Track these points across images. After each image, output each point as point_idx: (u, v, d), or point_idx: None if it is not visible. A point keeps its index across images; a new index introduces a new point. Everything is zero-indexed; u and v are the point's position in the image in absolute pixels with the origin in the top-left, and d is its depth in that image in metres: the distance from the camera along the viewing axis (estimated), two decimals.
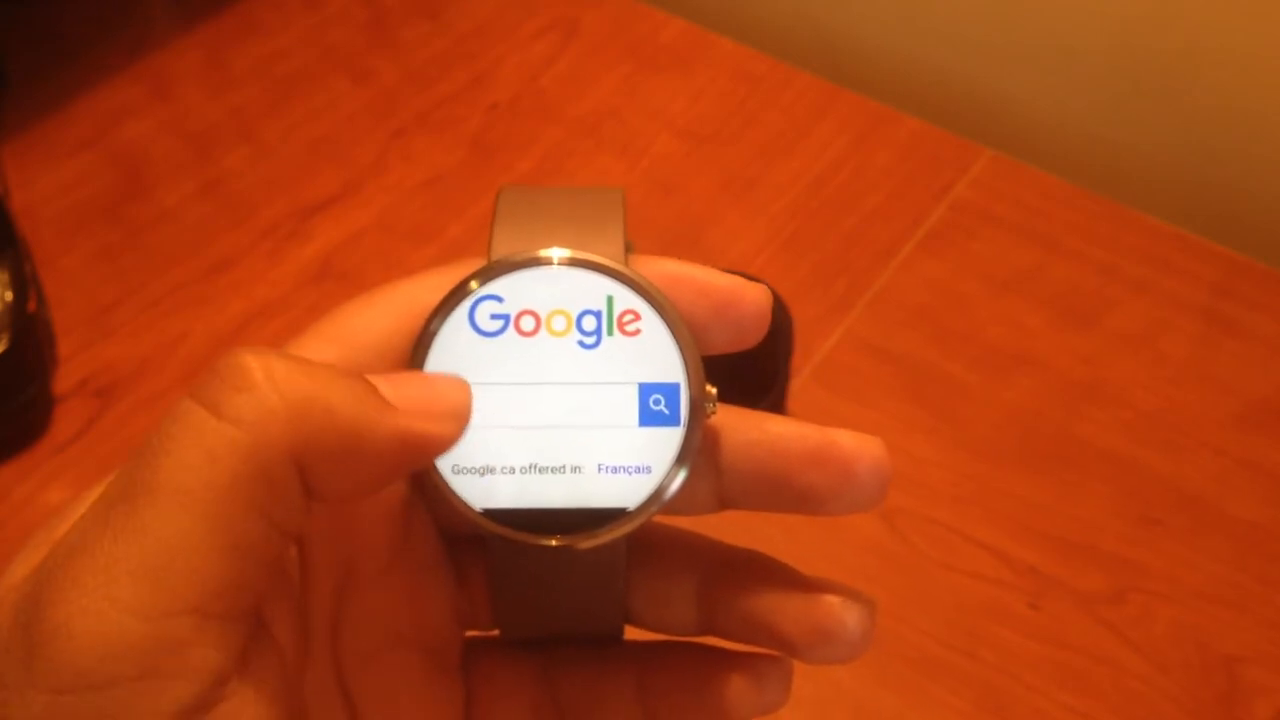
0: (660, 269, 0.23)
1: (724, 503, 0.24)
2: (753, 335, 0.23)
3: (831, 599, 0.22)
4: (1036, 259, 0.60)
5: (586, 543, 0.22)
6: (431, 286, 0.23)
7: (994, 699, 0.46)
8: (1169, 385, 0.55)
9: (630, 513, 0.22)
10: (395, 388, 0.20)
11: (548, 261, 0.22)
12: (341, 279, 0.58)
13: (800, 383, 0.55)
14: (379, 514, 0.23)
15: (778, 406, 0.52)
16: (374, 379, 0.20)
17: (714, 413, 0.23)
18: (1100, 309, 0.58)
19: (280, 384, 0.19)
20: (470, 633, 0.25)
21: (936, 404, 0.55)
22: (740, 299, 0.23)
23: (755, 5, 0.76)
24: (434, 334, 0.22)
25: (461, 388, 0.21)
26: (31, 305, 0.54)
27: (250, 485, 0.18)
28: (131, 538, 0.18)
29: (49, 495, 0.51)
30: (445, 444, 0.21)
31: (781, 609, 0.23)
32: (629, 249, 0.25)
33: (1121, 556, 0.50)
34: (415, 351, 0.22)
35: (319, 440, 0.19)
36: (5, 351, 0.51)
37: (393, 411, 0.20)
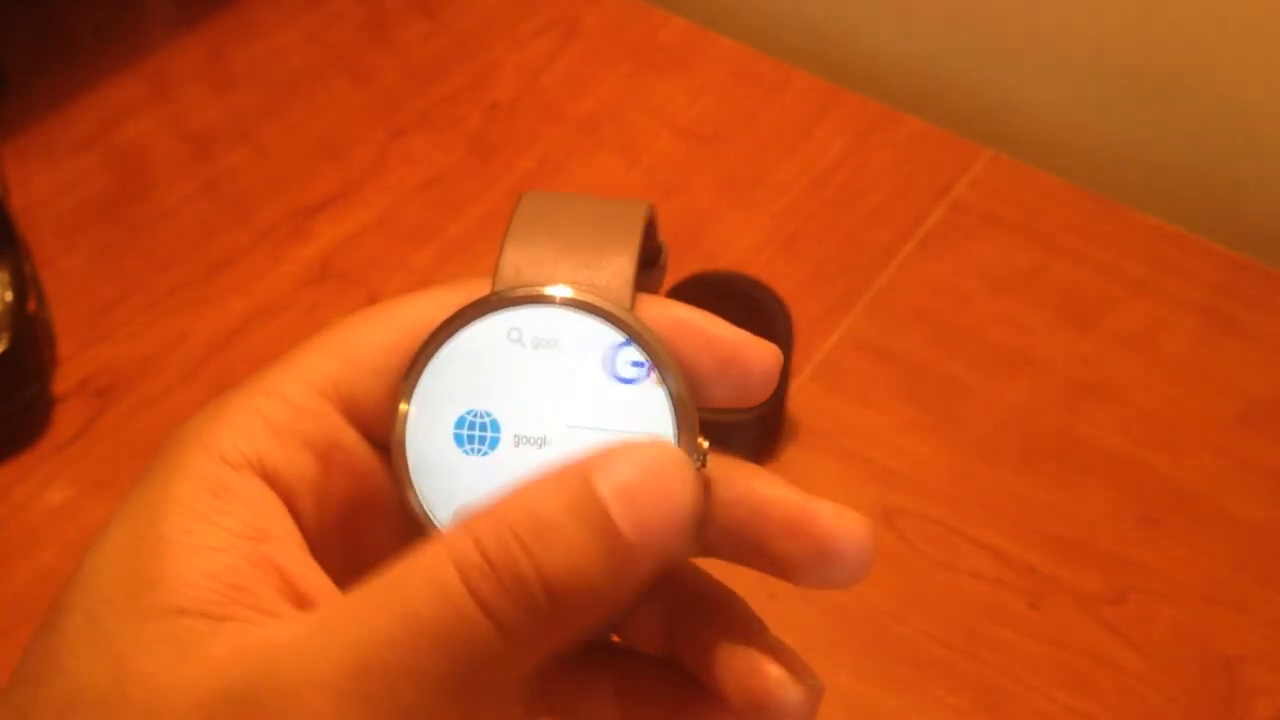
0: (669, 314, 0.23)
1: (705, 551, 0.23)
2: (758, 393, 0.23)
3: (773, 671, 0.22)
4: (1036, 259, 0.60)
5: None
6: (435, 305, 0.23)
7: (994, 699, 0.46)
8: (1169, 385, 0.55)
9: None
10: (632, 512, 0.19)
11: (549, 300, 0.22)
12: (341, 279, 0.58)
13: (800, 383, 0.55)
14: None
15: (777, 406, 0.52)
16: (610, 499, 0.19)
17: (702, 467, 0.22)
18: (1100, 309, 0.58)
19: (558, 599, 0.19)
20: None
21: (936, 404, 0.55)
22: (746, 357, 0.22)
23: (755, 5, 0.76)
24: (425, 364, 0.22)
25: (692, 488, 0.20)
26: (31, 305, 0.54)
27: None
28: None
29: (49, 495, 0.51)
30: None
31: (726, 666, 0.22)
32: (661, 251, 0.25)
33: (1121, 556, 0.50)
34: (407, 378, 0.22)
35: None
36: (5, 351, 0.51)
37: (635, 566, 0.19)
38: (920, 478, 0.52)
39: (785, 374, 0.52)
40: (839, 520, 0.22)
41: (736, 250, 0.60)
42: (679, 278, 0.54)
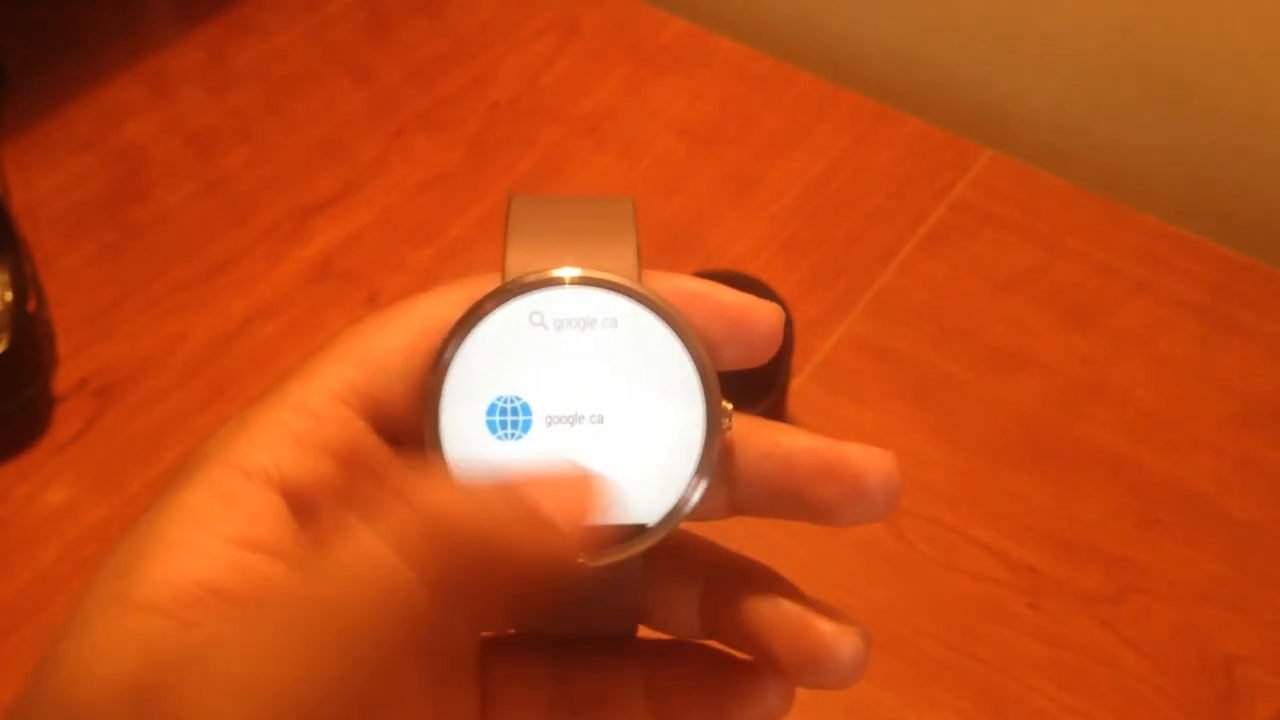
0: (675, 285, 0.23)
1: (735, 510, 0.24)
2: (764, 353, 0.23)
3: (824, 627, 0.22)
4: (1036, 259, 0.60)
5: (605, 559, 0.22)
6: (448, 303, 0.23)
7: (994, 699, 0.46)
8: (1169, 385, 0.55)
9: (649, 529, 0.22)
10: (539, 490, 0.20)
11: (562, 281, 0.23)
12: (342, 279, 0.59)
13: (800, 383, 0.55)
14: None
15: (778, 406, 0.52)
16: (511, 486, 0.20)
17: (730, 428, 0.23)
18: (1100, 309, 0.58)
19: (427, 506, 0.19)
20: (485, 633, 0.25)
21: (936, 404, 0.55)
22: (753, 317, 0.23)
23: (755, 5, 0.76)
24: (450, 359, 0.23)
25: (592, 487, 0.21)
26: (31, 305, 0.54)
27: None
28: None
29: (49, 495, 0.51)
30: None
31: (776, 630, 0.23)
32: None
33: (1121, 556, 0.50)
34: (432, 375, 0.23)
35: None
36: (5, 351, 0.51)
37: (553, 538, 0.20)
38: (920, 477, 0.52)
39: (786, 374, 0.52)
40: (869, 457, 0.22)
41: (736, 250, 0.60)
42: None
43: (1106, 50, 0.67)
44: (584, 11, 0.72)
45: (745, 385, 0.52)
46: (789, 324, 0.52)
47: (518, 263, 0.23)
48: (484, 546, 0.19)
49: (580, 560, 0.22)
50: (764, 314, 0.23)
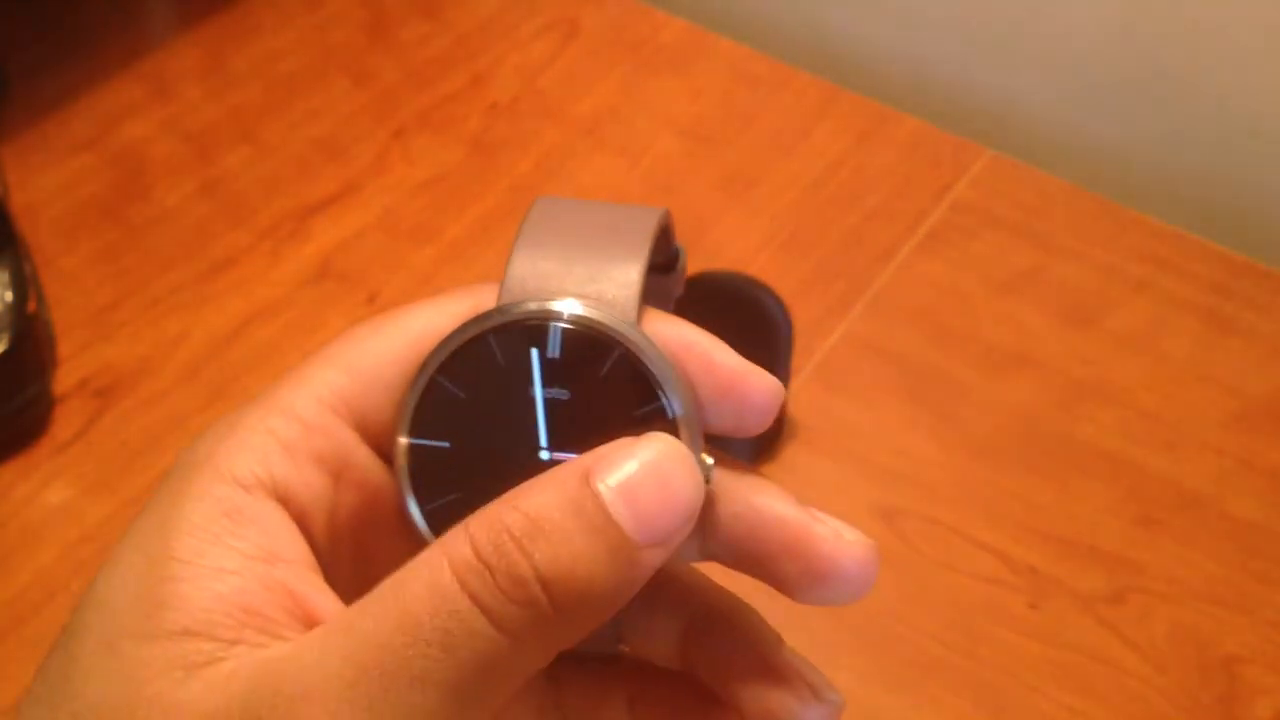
0: (676, 333, 0.23)
1: (707, 558, 0.23)
2: (754, 427, 0.22)
3: (791, 694, 0.22)
4: (1036, 259, 0.60)
5: None
6: (444, 314, 0.23)
7: (994, 699, 0.46)
8: (1169, 385, 0.55)
9: None
10: (633, 508, 0.20)
11: (554, 317, 0.22)
12: (341, 279, 0.58)
13: (800, 383, 0.55)
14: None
15: None
16: (610, 496, 0.20)
17: (709, 482, 0.22)
18: (1100, 309, 0.58)
19: (557, 598, 0.19)
20: None
21: (936, 404, 0.55)
22: (746, 387, 0.22)
23: (755, 5, 0.76)
24: (424, 382, 0.22)
25: (695, 479, 0.21)
26: (31, 305, 0.54)
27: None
28: None
29: (49, 495, 0.51)
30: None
31: (745, 683, 0.22)
32: (679, 256, 0.25)
33: (1121, 556, 0.50)
34: (408, 397, 0.22)
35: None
36: (5, 351, 0.51)
37: (637, 563, 0.20)
38: (920, 478, 0.52)
39: (786, 374, 0.52)
40: (837, 544, 0.22)
41: (736, 250, 0.60)
42: None
43: (1106, 50, 0.67)
44: (583, 11, 0.72)
45: None
46: (789, 324, 0.52)
47: (517, 279, 0.22)
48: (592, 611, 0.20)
49: None
50: (758, 385, 0.22)
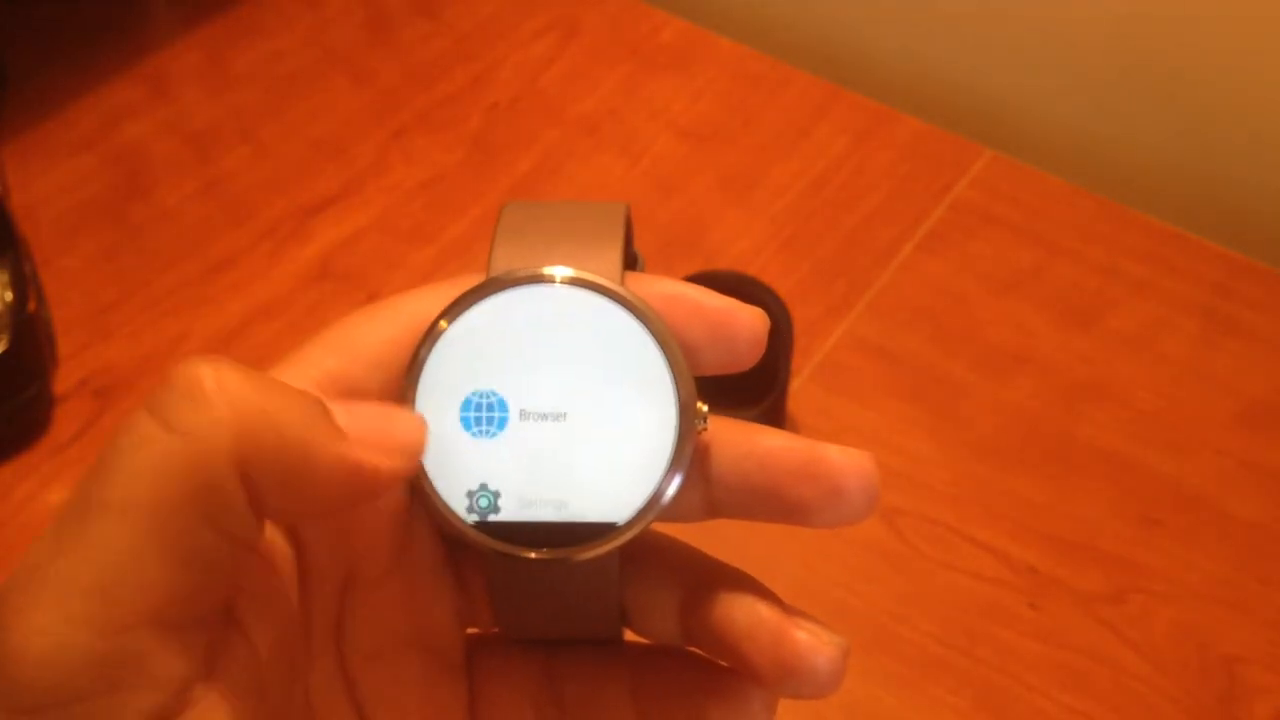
0: (657, 289, 0.23)
1: (713, 512, 0.24)
2: (747, 358, 0.23)
3: (800, 637, 0.22)
4: (1036, 259, 0.60)
5: (577, 556, 0.22)
6: (435, 299, 0.23)
7: (994, 699, 0.46)
8: (1169, 385, 0.55)
9: (620, 527, 0.23)
10: (351, 417, 0.20)
11: (546, 279, 0.23)
12: (341, 279, 0.59)
13: (800, 383, 0.55)
14: (380, 518, 0.23)
15: (777, 407, 0.52)
16: (332, 405, 0.20)
17: (704, 430, 0.23)
18: (1100, 309, 0.58)
19: (231, 396, 0.19)
20: (472, 630, 0.25)
21: (936, 404, 0.55)
22: (734, 321, 0.23)
23: (755, 5, 0.76)
24: (426, 354, 0.23)
25: (417, 425, 0.22)
26: (31, 305, 0.54)
27: (197, 497, 0.19)
28: (83, 555, 0.18)
29: (49, 495, 0.51)
30: (394, 479, 0.21)
31: (752, 640, 0.23)
32: (637, 260, 0.25)
33: (1121, 556, 0.50)
34: (409, 368, 0.23)
35: (264, 458, 0.19)
36: (5, 351, 0.51)
37: (343, 440, 0.20)
38: (920, 478, 0.52)
39: (786, 374, 0.52)
40: (846, 458, 0.22)
41: (736, 250, 0.60)
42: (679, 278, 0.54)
43: (1106, 50, 0.68)
44: (583, 11, 0.72)
45: (745, 386, 0.52)
46: (789, 324, 0.52)
47: (502, 261, 0.23)
48: (280, 440, 0.19)
49: (551, 557, 0.22)
50: (746, 318, 0.23)
